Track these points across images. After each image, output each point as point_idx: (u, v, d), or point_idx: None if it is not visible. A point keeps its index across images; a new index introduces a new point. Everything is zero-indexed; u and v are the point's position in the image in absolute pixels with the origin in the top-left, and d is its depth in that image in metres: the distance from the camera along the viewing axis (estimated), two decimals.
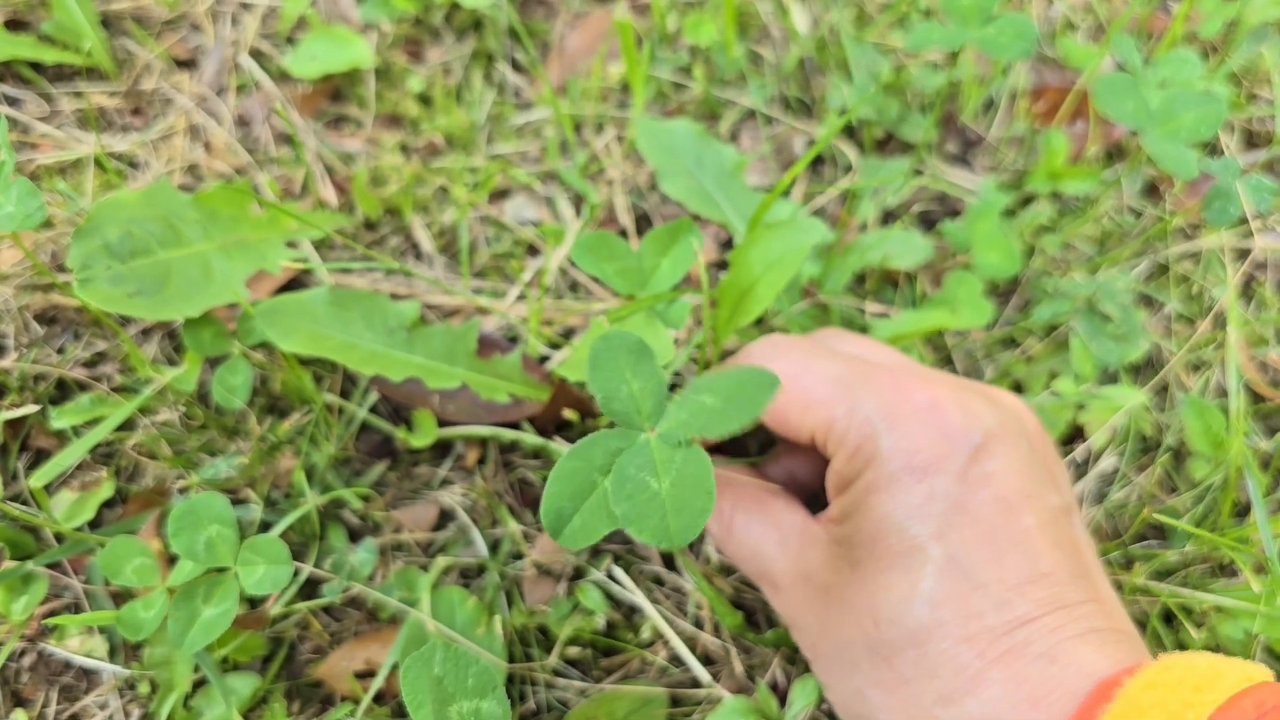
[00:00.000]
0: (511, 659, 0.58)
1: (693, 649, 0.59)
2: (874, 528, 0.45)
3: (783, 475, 0.57)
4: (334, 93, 0.80)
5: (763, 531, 0.51)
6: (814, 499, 0.56)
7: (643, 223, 0.76)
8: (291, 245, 0.68)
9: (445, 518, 0.64)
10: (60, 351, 0.65)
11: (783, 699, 0.58)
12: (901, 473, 0.45)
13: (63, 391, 0.64)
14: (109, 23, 0.80)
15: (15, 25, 0.77)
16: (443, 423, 0.64)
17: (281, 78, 0.80)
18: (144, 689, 0.57)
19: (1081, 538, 0.47)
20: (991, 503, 0.44)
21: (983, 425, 0.46)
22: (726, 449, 0.61)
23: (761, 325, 0.68)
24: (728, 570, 0.62)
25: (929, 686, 0.42)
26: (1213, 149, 0.84)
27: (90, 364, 0.65)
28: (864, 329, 0.70)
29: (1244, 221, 0.79)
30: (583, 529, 0.38)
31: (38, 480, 0.56)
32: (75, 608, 0.58)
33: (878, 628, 0.43)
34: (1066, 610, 0.42)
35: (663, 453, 0.38)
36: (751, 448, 0.62)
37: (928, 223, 0.78)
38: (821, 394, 0.48)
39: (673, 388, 0.42)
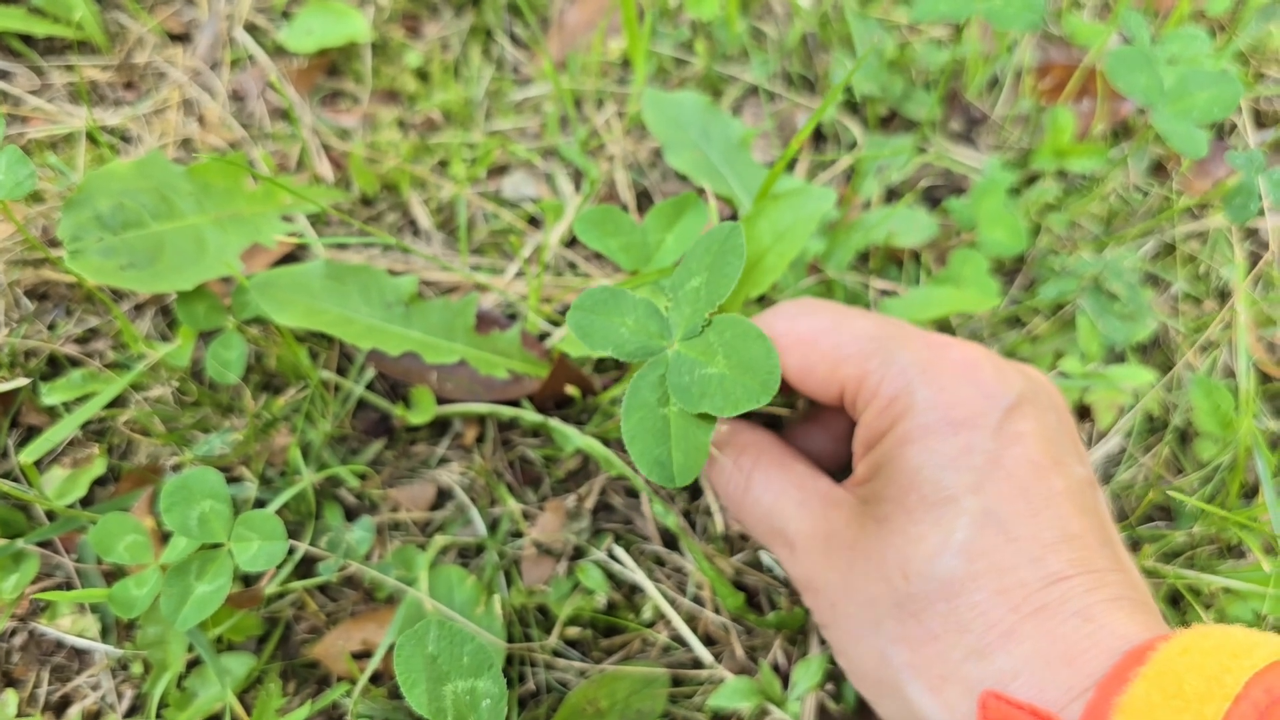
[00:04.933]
0: (510, 639, 0.57)
1: (693, 629, 0.58)
2: (906, 480, 0.44)
3: (801, 448, 0.56)
4: (330, 68, 0.79)
5: (782, 490, 0.50)
6: (834, 476, 0.55)
7: (643, 199, 0.75)
8: (287, 220, 0.67)
9: (443, 496, 0.63)
10: (51, 327, 0.64)
11: (784, 680, 0.58)
12: (938, 425, 0.44)
13: (54, 368, 0.63)
14: None
15: None
16: (441, 400, 0.63)
17: (277, 52, 0.78)
18: (137, 669, 0.56)
19: (1105, 511, 0.47)
20: (1024, 461, 0.43)
21: (1015, 388, 0.45)
22: (749, 415, 0.60)
23: (764, 302, 0.67)
24: (732, 549, 0.62)
25: (959, 641, 0.41)
26: (1220, 130, 0.83)
27: (82, 340, 0.64)
28: (868, 307, 0.70)
29: None
30: (686, 461, 0.37)
31: (28, 456, 0.55)
32: (67, 586, 0.57)
33: (907, 581, 0.42)
34: (1097, 574, 0.41)
35: (698, 346, 0.37)
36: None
37: (932, 200, 0.77)
38: (855, 349, 0.47)
39: None
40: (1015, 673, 0.39)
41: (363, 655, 0.57)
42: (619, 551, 0.60)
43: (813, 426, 0.58)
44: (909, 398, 0.45)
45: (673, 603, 0.59)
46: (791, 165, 0.77)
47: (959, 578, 0.41)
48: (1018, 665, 0.39)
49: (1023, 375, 0.47)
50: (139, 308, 0.66)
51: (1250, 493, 0.66)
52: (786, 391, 0.58)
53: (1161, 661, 0.35)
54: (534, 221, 0.73)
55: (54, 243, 0.66)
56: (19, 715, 0.55)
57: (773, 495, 0.50)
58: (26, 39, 0.76)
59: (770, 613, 0.60)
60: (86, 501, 0.59)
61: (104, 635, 0.57)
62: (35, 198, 0.67)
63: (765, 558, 0.61)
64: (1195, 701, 0.33)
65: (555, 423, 0.62)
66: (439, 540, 0.59)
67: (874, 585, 0.44)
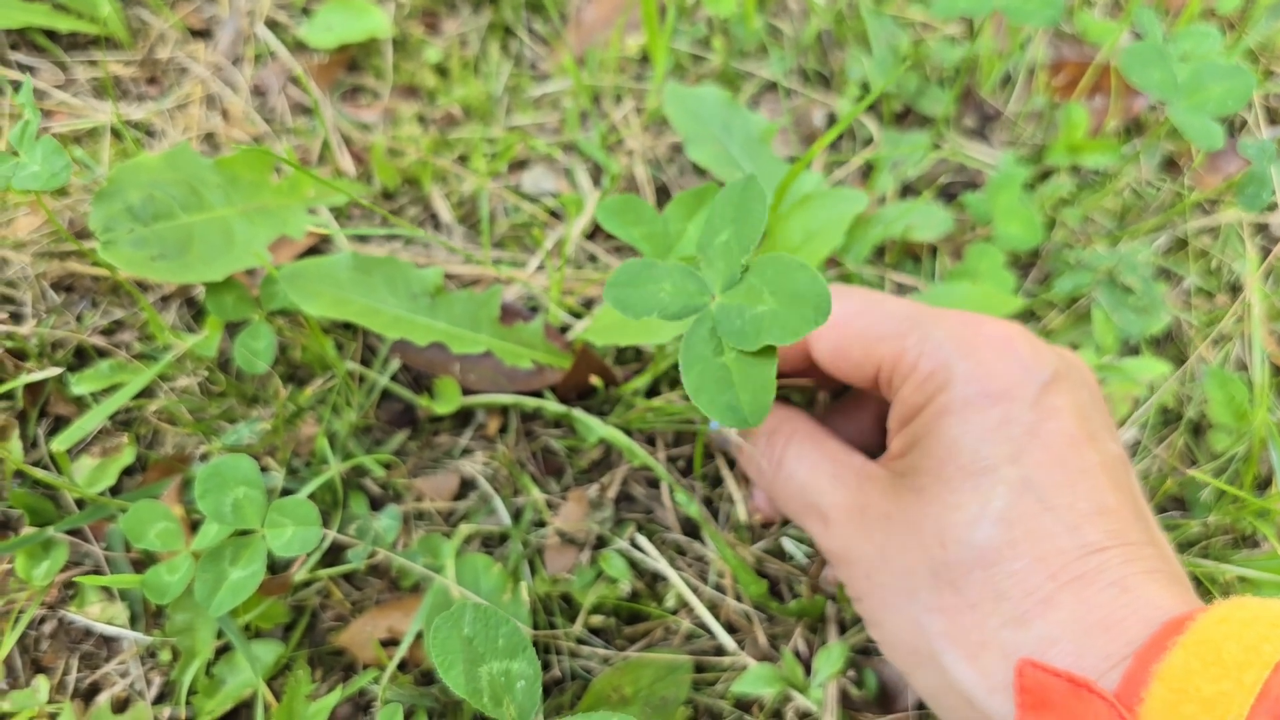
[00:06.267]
0: (535, 626, 0.58)
1: (716, 617, 0.59)
2: (944, 451, 0.44)
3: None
4: (350, 63, 0.80)
5: (816, 464, 0.51)
6: None
7: (662, 194, 0.76)
8: (311, 213, 0.67)
9: (467, 486, 0.63)
10: (78, 319, 0.64)
11: (806, 667, 0.58)
12: (977, 397, 0.44)
13: (81, 359, 0.63)
14: None
15: None
16: (465, 391, 0.63)
17: (297, 48, 0.79)
18: (165, 656, 0.57)
19: (1137, 488, 0.47)
20: (1060, 434, 0.44)
21: (1051, 363, 0.46)
22: (779, 397, 0.61)
23: None
24: (753, 538, 0.62)
25: (996, 609, 0.41)
26: (1232, 127, 0.84)
27: (108, 331, 0.64)
28: None
29: None
30: (755, 401, 0.37)
31: (60, 444, 0.56)
32: (96, 574, 0.58)
33: (945, 549, 0.43)
34: (1133, 547, 0.41)
35: (741, 292, 0.38)
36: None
37: (948, 196, 0.78)
38: (890, 328, 0.48)
39: None
40: (1054, 640, 0.39)
41: (389, 643, 0.57)
42: (641, 540, 0.61)
43: (837, 417, 0.59)
44: (947, 372, 0.45)
45: (695, 591, 0.60)
46: (810, 161, 0.78)
47: (997, 545, 0.41)
48: (1056, 632, 0.39)
49: (1057, 353, 0.48)
50: (165, 299, 0.66)
51: (1264, 484, 0.67)
52: (817, 377, 0.58)
53: (1200, 631, 0.36)
54: (554, 215, 0.74)
55: (80, 235, 0.67)
56: (49, 702, 0.55)
57: (806, 470, 0.51)
58: (51, 34, 0.76)
59: (791, 601, 0.60)
60: (115, 490, 0.60)
61: (132, 623, 0.57)
62: (60, 191, 0.68)
63: (787, 544, 0.62)
64: (1234, 669, 0.34)
65: (578, 413, 0.62)
66: (464, 529, 0.60)
67: (910, 555, 0.44)
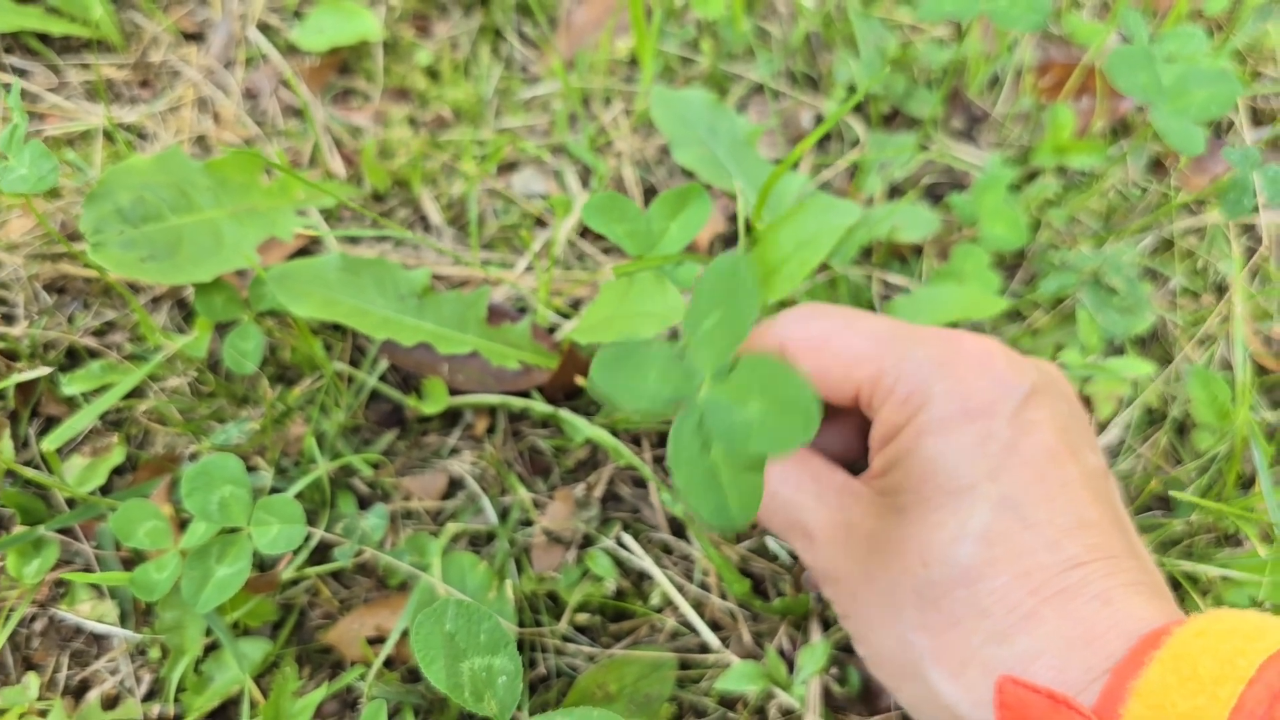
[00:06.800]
0: (521, 624, 0.58)
1: (701, 615, 0.60)
2: (924, 469, 0.44)
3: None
4: (342, 66, 0.80)
5: (799, 483, 0.50)
6: None
7: (650, 195, 0.76)
8: (300, 214, 0.68)
9: (454, 486, 0.64)
10: (70, 320, 0.65)
11: (790, 665, 0.59)
12: (955, 415, 0.44)
13: (72, 360, 0.64)
14: None
15: None
16: (453, 391, 0.64)
17: (289, 51, 0.80)
18: (155, 654, 0.57)
19: (1118, 500, 0.47)
20: (1039, 449, 0.44)
21: (1029, 378, 0.46)
22: None
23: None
24: (738, 537, 0.63)
25: (979, 626, 0.41)
26: (1218, 128, 0.85)
27: (99, 332, 0.65)
28: (870, 304, 0.71)
29: None
30: (743, 504, 0.37)
31: (51, 443, 0.56)
32: (86, 572, 0.59)
33: (927, 568, 0.43)
34: (1114, 560, 0.42)
35: (730, 389, 0.38)
36: None
37: (934, 197, 0.78)
38: (869, 348, 0.48)
39: None
40: (1037, 654, 0.39)
41: (376, 641, 0.58)
42: (627, 539, 0.61)
43: (820, 431, 0.59)
44: (926, 391, 0.45)
45: (680, 589, 0.60)
46: (795, 163, 0.78)
47: (977, 564, 0.42)
48: (1040, 646, 0.39)
49: (1035, 367, 0.48)
50: (156, 301, 0.67)
51: (1247, 482, 0.68)
52: None
53: (1176, 645, 0.36)
54: (541, 220, 0.74)
55: (72, 237, 0.67)
56: (39, 699, 0.56)
57: (790, 488, 0.51)
58: (43, 38, 0.77)
59: (776, 599, 0.61)
60: (105, 490, 0.60)
61: (122, 620, 0.58)
62: (52, 193, 0.68)
63: (771, 544, 0.62)
64: (1210, 684, 0.34)
65: (565, 413, 0.63)
66: (451, 528, 0.60)
67: (893, 574, 0.44)
